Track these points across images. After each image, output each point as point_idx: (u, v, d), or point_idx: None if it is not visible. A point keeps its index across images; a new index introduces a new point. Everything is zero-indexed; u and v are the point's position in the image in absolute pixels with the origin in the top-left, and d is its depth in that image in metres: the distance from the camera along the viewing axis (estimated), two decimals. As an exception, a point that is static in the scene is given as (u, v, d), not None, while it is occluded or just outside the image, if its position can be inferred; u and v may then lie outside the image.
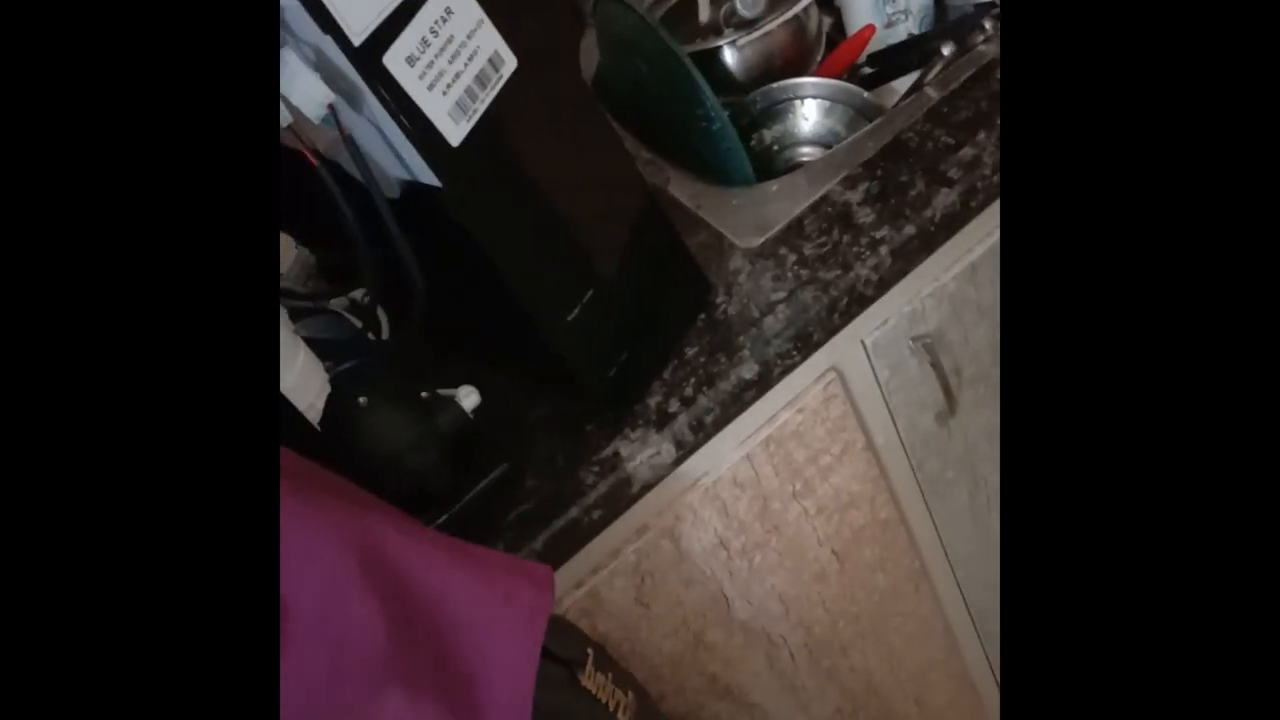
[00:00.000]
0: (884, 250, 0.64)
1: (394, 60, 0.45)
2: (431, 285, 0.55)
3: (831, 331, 0.64)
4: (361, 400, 0.60)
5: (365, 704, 0.42)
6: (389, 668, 0.43)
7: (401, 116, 0.46)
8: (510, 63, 0.50)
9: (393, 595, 0.43)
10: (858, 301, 0.64)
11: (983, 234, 0.70)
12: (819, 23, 0.87)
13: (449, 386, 0.64)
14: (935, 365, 0.71)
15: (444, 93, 0.47)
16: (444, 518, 0.62)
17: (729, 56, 0.84)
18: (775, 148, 0.84)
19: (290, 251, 0.80)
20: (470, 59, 0.48)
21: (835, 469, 0.74)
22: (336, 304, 0.74)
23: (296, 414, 0.56)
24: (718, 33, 0.89)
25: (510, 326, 0.62)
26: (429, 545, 0.46)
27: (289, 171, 0.60)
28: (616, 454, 0.62)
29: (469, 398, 0.63)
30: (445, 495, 0.63)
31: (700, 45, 0.84)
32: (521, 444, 0.66)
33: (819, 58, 0.87)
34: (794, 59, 0.85)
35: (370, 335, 0.70)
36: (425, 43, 0.46)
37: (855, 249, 0.65)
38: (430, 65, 0.46)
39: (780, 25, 0.82)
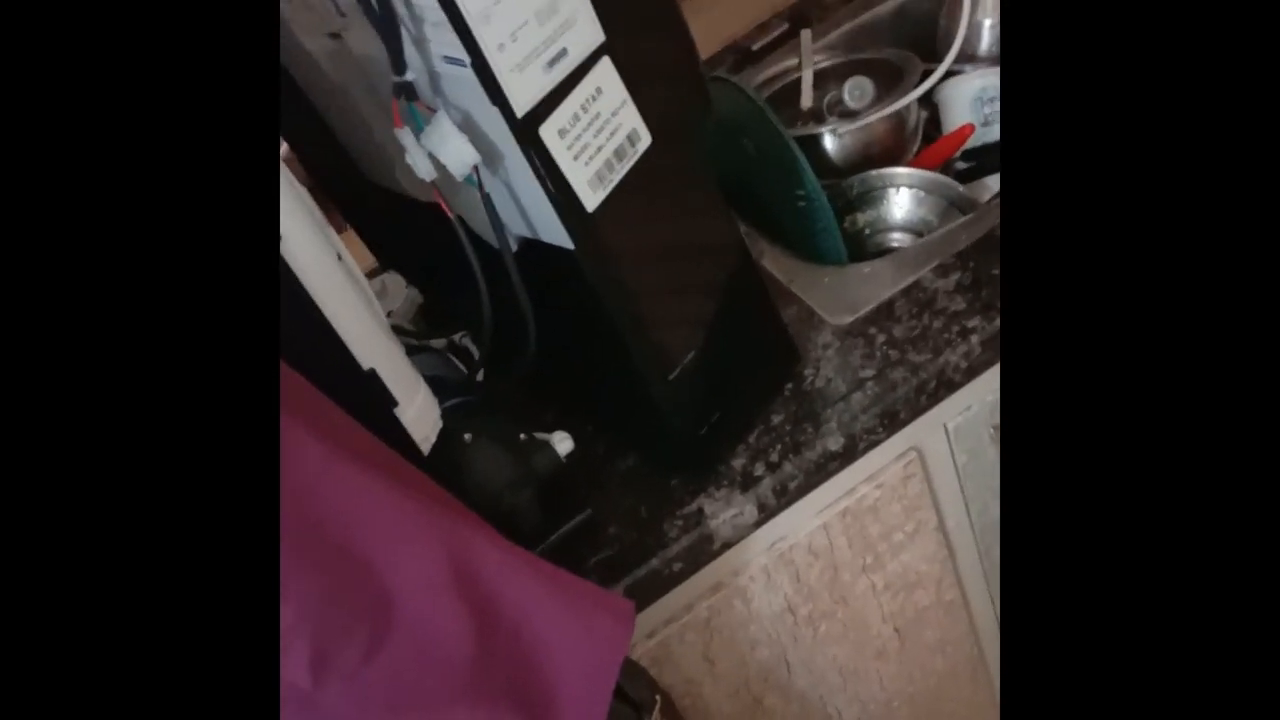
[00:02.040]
0: (974, 339, 0.66)
1: (549, 131, 0.49)
2: (540, 335, 0.59)
3: (917, 412, 0.67)
4: (466, 437, 0.64)
5: (441, 709, 0.43)
6: (469, 678, 0.44)
7: (549, 182, 0.50)
8: (645, 139, 0.54)
9: (480, 607, 0.44)
10: (945, 386, 0.67)
11: (1069, 332, 0.72)
12: (917, 117, 0.91)
13: (541, 430, 0.68)
14: (1014, 455, 0.73)
15: (586, 163, 0.52)
16: (531, 556, 0.65)
17: (829, 142, 0.89)
18: (867, 231, 0.87)
19: (401, 290, 0.85)
20: (612, 134, 0.52)
21: (906, 547, 0.75)
22: (436, 343, 0.79)
23: (410, 443, 0.60)
24: (819, 118, 0.94)
25: (611, 379, 0.66)
26: (519, 562, 0.48)
27: (417, 220, 0.65)
28: (700, 510, 0.65)
29: (563, 443, 0.66)
30: (533, 535, 0.66)
31: (803, 130, 0.88)
32: (606, 492, 0.69)
33: (915, 149, 0.91)
34: (891, 149, 0.89)
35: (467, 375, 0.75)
36: (576, 118, 0.50)
37: (945, 335, 0.67)
38: (578, 138, 0.51)
39: (881, 118, 0.86)
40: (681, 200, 0.59)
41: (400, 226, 0.73)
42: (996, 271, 0.70)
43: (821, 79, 0.96)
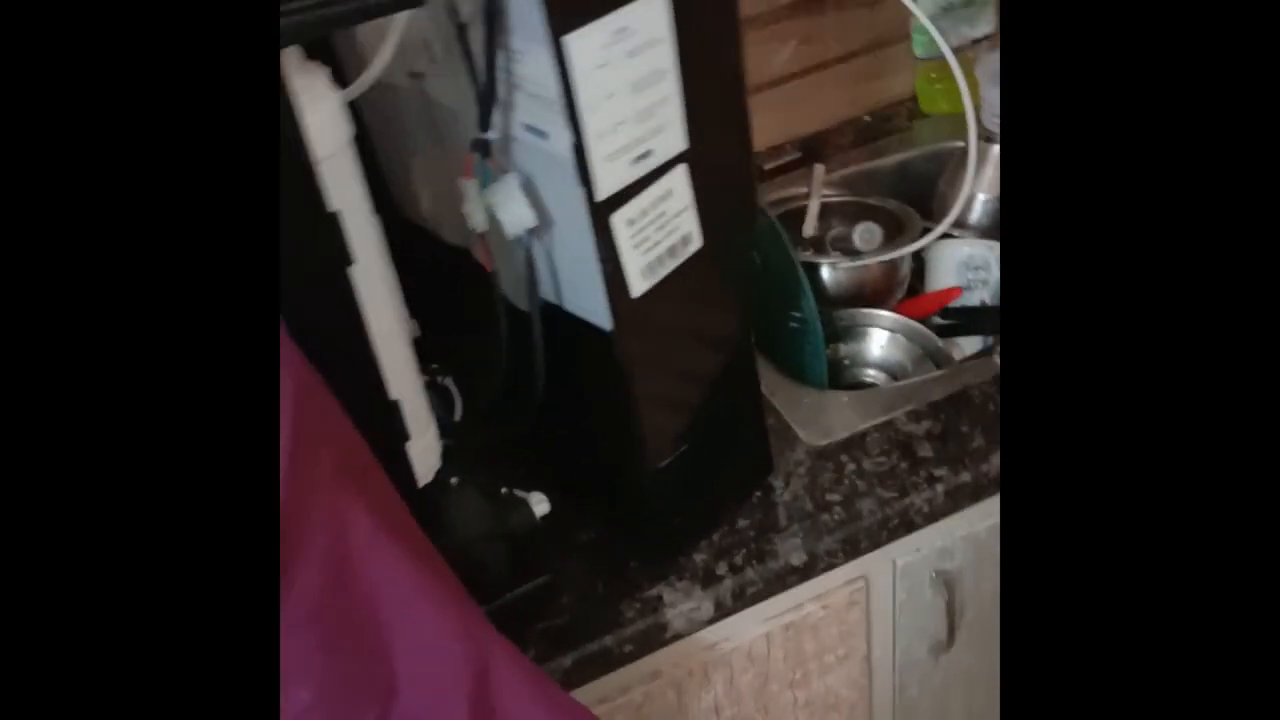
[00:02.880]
0: (940, 488, 0.71)
1: (619, 219, 0.53)
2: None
3: (876, 545, 0.71)
4: (453, 480, 0.65)
5: None
6: None
7: (607, 263, 0.53)
8: (696, 243, 0.58)
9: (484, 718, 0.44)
10: (906, 526, 0.71)
11: (1019, 497, 0.78)
12: (908, 268, 0.98)
13: (507, 485, 0.69)
14: (950, 601, 0.77)
15: (644, 254, 0.55)
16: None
17: (825, 273, 0.94)
18: (846, 363, 0.92)
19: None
20: (671, 232, 0.56)
21: (833, 670, 0.78)
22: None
23: (406, 478, 0.60)
24: (818, 247, 1.00)
25: (602, 454, 0.68)
26: (533, 684, 0.47)
27: (438, 258, 0.67)
28: (660, 597, 0.66)
29: (540, 505, 0.68)
30: (490, 590, 0.67)
31: (807, 257, 0.93)
32: (564, 561, 0.70)
33: (900, 296, 0.97)
34: (880, 292, 0.95)
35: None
36: (644, 212, 0.54)
37: (913, 478, 0.72)
38: (642, 230, 0.54)
39: (878, 262, 0.93)
40: (711, 303, 0.63)
41: (416, 260, 0.75)
42: (965, 429, 0.76)
43: (823, 212, 1.02)
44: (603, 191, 0.51)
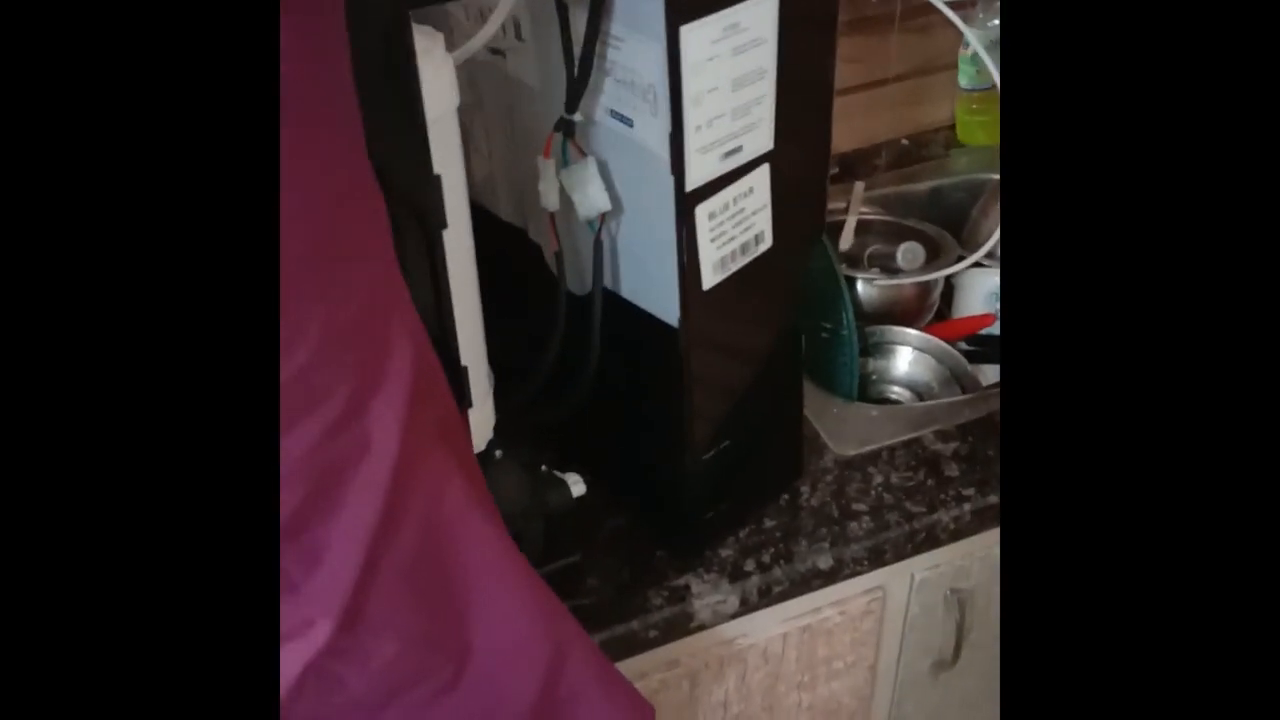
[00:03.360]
0: (967, 506, 0.72)
1: (703, 211, 0.54)
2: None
3: (900, 557, 0.72)
4: (497, 453, 0.65)
5: None
6: None
7: (684, 253, 0.54)
8: (767, 242, 0.59)
9: (551, 695, 0.44)
10: (930, 541, 0.72)
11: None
12: (939, 290, 0.99)
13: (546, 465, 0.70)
14: (961, 620, 0.79)
15: (720, 247, 0.56)
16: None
17: (861, 288, 0.96)
18: (874, 378, 0.94)
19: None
20: (747, 229, 0.57)
21: (840, 676, 0.79)
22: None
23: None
24: (852, 263, 1.01)
25: (643, 443, 0.69)
26: (606, 681, 0.48)
27: (489, 233, 0.68)
28: (688, 587, 0.67)
29: (577, 485, 0.69)
30: (522, 564, 0.67)
31: (845, 271, 0.95)
32: (593, 544, 0.71)
33: (928, 318, 0.99)
34: (911, 311, 0.97)
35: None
36: (726, 206, 0.55)
37: (941, 496, 0.73)
38: (720, 224, 0.55)
39: (913, 282, 0.94)
40: (772, 303, 0.64)
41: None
42: (993, 452, 0.77)
43: (859, 228, 1.04)
44: (692, 182, 0.52)
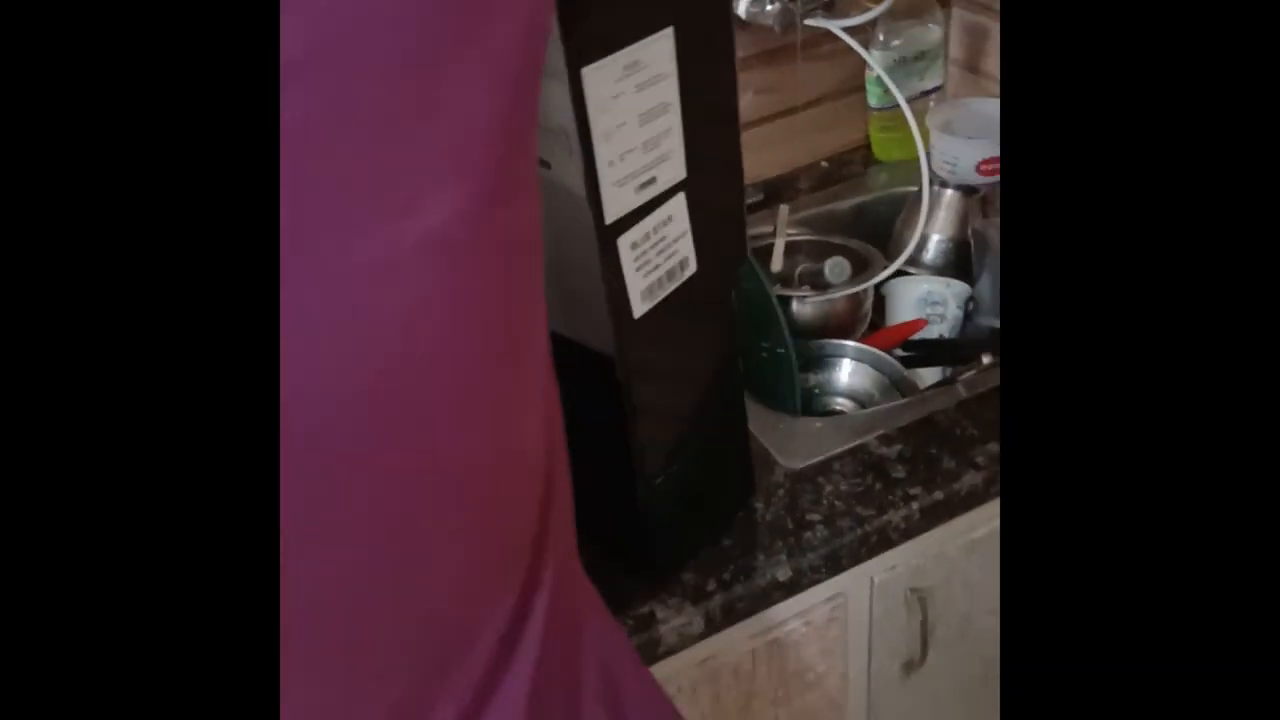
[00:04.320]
0: (915, 505, 0.74)
1: (625, 242, 0.55)
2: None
3: (856, 561, 0.73)
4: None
5: None
6: None
7: (612, 283, 0.56)
8: (692, 267, 0.61)
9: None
10: (883, 543, 0.74)
11: (987, 518, 0.81)
12: (870, 301, 1.02)
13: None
14: (924, 618, 0.80)
15: (645, 276, 0.58)
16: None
17: (794, 306, 0.98)
18: (816, 391, 0.96)
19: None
20: (670, 256, 0.59)
21: (813, 688, 0.80)
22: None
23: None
24: (785, 282, 1.04)
25: (596, 471, 0.69)
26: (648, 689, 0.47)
27: None
28: (653, 614, 0.68)
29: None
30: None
31: (775, 291, 0.97)
32: (555, 583, 0.72)
33: (863, 329, 1.02)
34: (845, 324, 1.00)
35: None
36: (647, 236, 0.57)
37: (889, 497, 0.75)
38: (644, 254, 0.57)
39: (843, 296, 0.97)
40: (704, 325, 0.66)
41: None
42: (934, 451, 0.79)
43: (788, 249, 1.07)
44: (611, 215, 0.54)
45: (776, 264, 1.06)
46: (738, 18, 1.01)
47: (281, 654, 0.29)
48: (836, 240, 1.07)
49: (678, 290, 0.61)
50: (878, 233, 1.12)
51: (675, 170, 0.57)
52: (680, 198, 0.58)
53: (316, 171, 0.26)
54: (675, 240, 0.59)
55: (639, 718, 0.45)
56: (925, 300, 1.02)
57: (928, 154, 1.03)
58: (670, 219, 0.58)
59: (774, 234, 1.07)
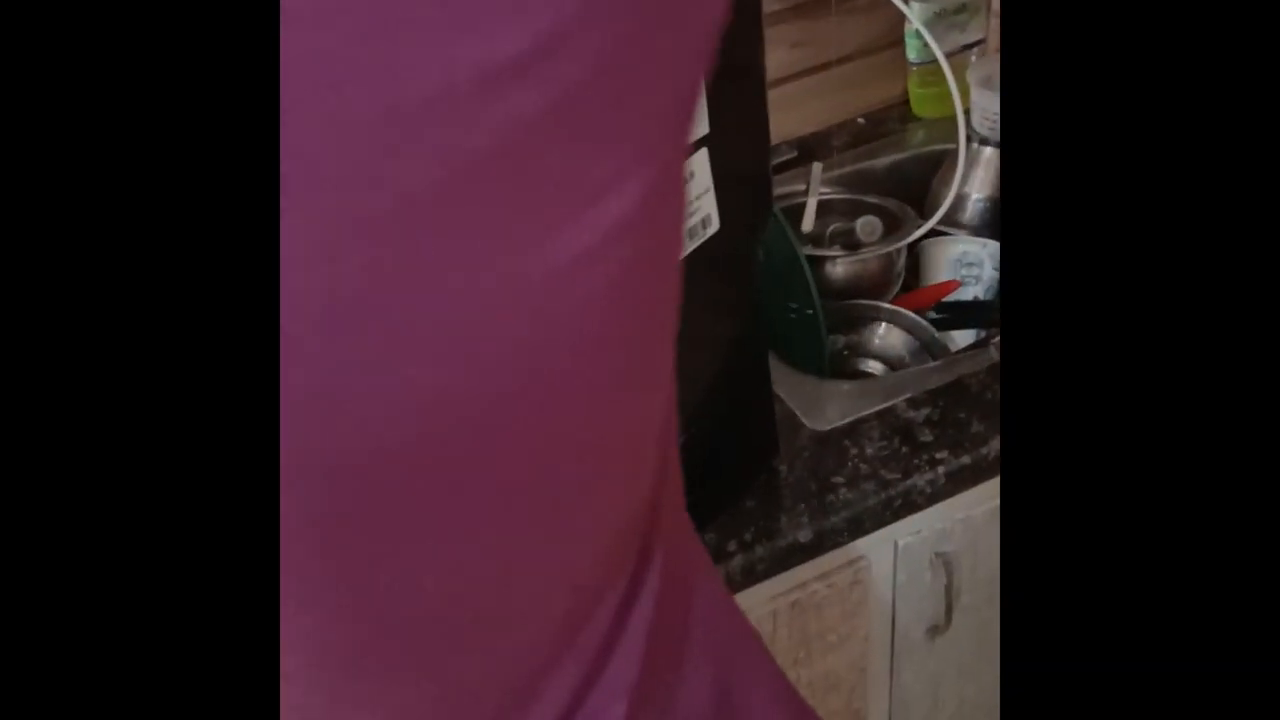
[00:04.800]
0: (941, 470, 0.73)
1: (645, 199, 0.55)
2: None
3: (880, 524, 0.73)
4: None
5: None
6: None
7: (632, 242, 0.55)
8: (715, 225, 0.60)
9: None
10: (908, 507, 0.73)
11: (1014, 481, 0.80)
12: (904, 262, 1.00)
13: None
14: (949, 583, 0.80)
15: (666, 234, 0.57)
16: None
17: (825, 266, 0.97)
18: (845, 353, 0.95)
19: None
20: (693, 213, 0.58)
21: (834, 651, 0.80)
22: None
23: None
24: (817, 242, 1.02)
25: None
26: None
27: None
28: (672, 574, 0.68)
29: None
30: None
31: (806, 251, 0.96)
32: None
33: (896, 290, 1.00)
34: (878, 285, 0.98)
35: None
36: (668, 193, 0.56)
37: (915, 461, 0.74)
38: (665, 210, 0.56)
39: (876, 256, 0.95)
40: (727, 285, 0.65)
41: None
42: (963, 415, 0.78)
43: (821, 209, 1.05)
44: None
45: (808, 223, 1.04)
46: (771, -31, 0.98)
47: (442, 631, 0.31)
48: (871, 199, 1.04)
49: (699, 249, 0.60)
50: (914, 191, 1.10)
51: (698, 124, 0.56)
52: (702, 154, 0.57)
53: (541, 164, 0.26)
54: (698, 197, 0.58)
55: (735, 662, 0.45)
56: (960, 261, 1.00)
57: (966, 111, 1.00)
58: (693, 174, 0.57)
59: (806, 192, 1.05)
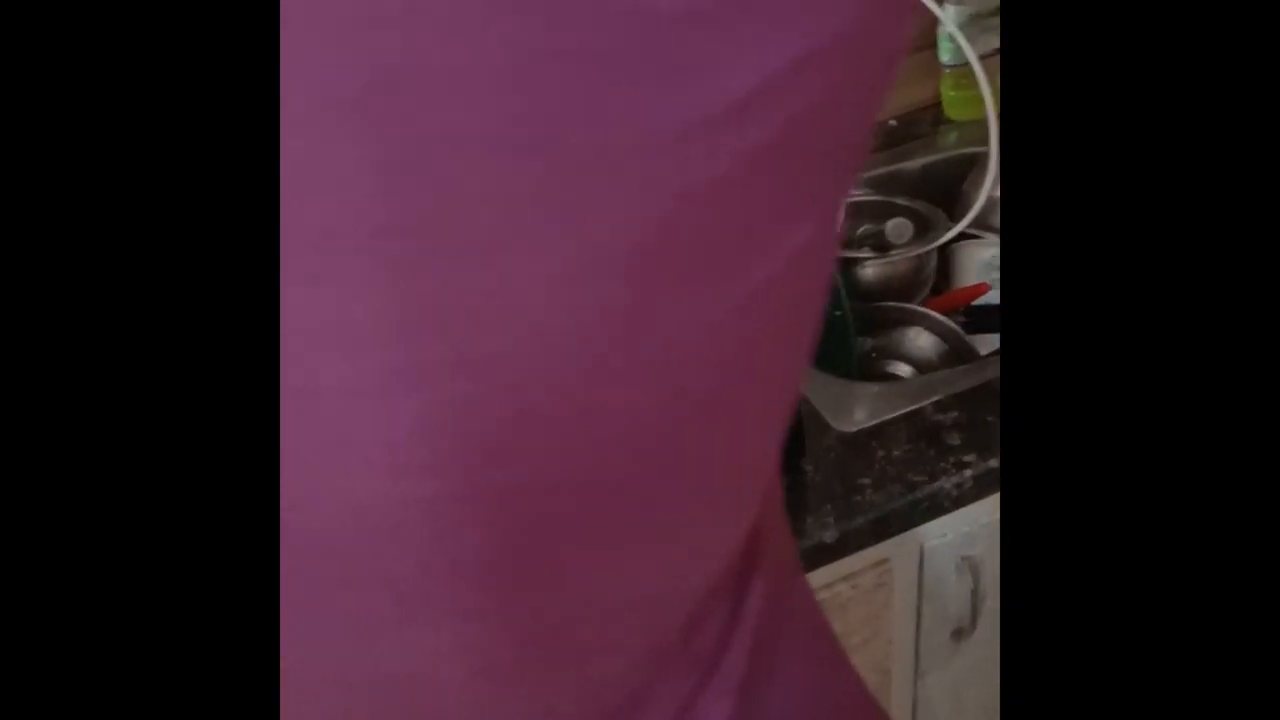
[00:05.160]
0: (969, 473, 0.73)
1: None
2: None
3: (906, 527, 0.73)
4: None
5: None
6: None
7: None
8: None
9: None
10: (935, 509, 0.73)
11: (1042, 486, 0.80)
12: (934, 264, 1.00)
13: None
14: (975, 586, 0.79)
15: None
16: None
17: (855, 268, 0.97)
18: (874, 355, 0.95)
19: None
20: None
21: (858, 652, 0.80)
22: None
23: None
24: (847, 244, 1.02)
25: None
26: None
27: None
28: (697, 572, 0.69)
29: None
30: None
31: (841, 253, 0.96)
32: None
33: (925, 293, 1.00)
34: (908, 287, 0.98)
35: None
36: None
37: (942, 464, 0.74)
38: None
39: (906, 258, 0.95)
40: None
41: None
42: (992, 418, 0.78)
43: (851, 210, 1.05)
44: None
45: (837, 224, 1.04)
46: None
47: (587, 634, 0.33)
48: (901, 201, 1.04)
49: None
50: (945, 194, 1.09)
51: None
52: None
53: (752, 195, 0.27)
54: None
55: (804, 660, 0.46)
56: (991, 264, 0.99)
57: (998, 113, 1.00)
58: (722, 177, 0.57)
59: (836, 194, 1.05)
